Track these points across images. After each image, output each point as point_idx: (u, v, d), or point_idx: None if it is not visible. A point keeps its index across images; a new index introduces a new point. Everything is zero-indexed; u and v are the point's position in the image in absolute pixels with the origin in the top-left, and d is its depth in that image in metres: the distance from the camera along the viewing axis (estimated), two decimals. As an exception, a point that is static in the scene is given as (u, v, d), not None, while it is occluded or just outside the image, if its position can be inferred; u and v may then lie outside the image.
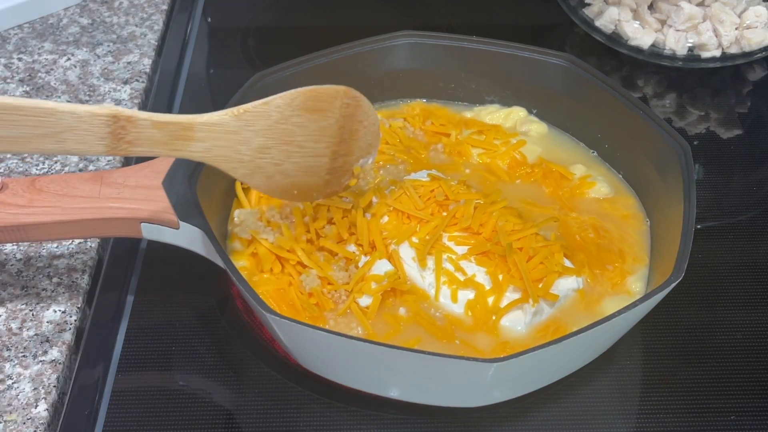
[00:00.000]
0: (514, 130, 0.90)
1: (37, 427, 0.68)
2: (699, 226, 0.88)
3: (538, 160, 0.87)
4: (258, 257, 0.75)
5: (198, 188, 0.73)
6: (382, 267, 0.74)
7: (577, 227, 0.80)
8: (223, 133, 0.64)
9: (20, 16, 1.05)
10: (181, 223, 0.72)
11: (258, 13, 1.15)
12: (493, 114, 0.91)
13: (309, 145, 0.70)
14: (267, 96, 0.76)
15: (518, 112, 0.91)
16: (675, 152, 0.78)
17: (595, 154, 0.88)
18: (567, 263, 0.75)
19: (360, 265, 0.74)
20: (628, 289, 0.76)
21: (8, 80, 0.98)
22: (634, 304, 0.66)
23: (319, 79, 0.86)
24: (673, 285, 0.67)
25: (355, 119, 0.71)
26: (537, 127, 0.90)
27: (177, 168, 0.74)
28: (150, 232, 0.73)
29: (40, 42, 1.03)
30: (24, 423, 0.68)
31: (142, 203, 0.72)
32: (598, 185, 0.84)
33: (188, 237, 0.73)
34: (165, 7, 1.10)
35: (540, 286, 0.73)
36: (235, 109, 0.64)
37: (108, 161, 0.89)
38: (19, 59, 1.01)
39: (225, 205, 0.80)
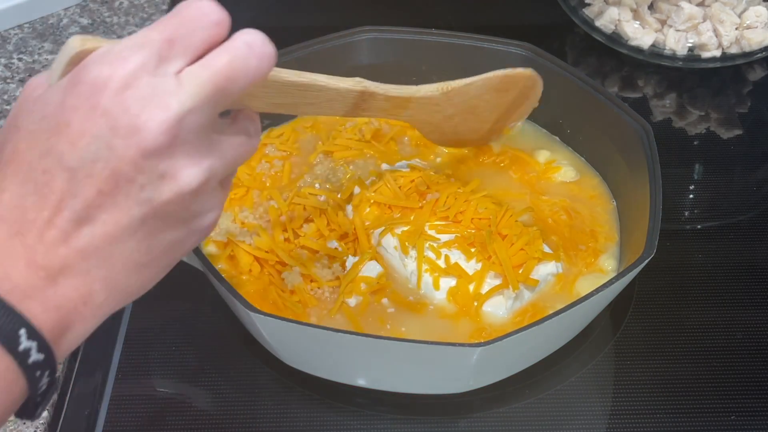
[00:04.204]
0: None
1: (37, 427, 0.68)
2: (699, 226, 0.89)
3: (502, 147, 0.88)
4: (236, 260, 0.76)
5: None
6: (372, 269, 0.74)
7: (549, 210, 0.81)
8: (429, 105, 0.74)
9: (20, 16, 1.05)
10: None
11: (258, 13, 1.15)
12: None
13: (484, 115, 0.80)
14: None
15: None
16: (637, 133, 0.79)
17: (558, 139, 0.89)
18: (546, 249, 0.76)
19: (348, 265, 0.75)
20: (601, 267, 0.77)
21: (8, 80, 0.98)
22: (610, 282, 0.67)
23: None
24: (646, 262, 0.68)
25: (525, 96, 0.81)
26: None
27: None
28: None
29: (40, 42, 1.03)
30: (24, 423, 0.68)
31: None
32: (564, 170, 0.86)
33: None
34: (165, 7, 1.10)
35: (520, 272, 0.74)
36: (443, 86, 0.74)
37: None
38: (20, 59, 1.01)
39: None
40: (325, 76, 0.60)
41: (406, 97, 0.71)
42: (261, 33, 0.46)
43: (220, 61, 0.45)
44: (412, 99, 0.72)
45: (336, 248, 0.76)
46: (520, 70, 0.78)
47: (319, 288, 0.74)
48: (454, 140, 0.83)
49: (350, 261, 0.75)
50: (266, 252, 0.75)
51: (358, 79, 0.64)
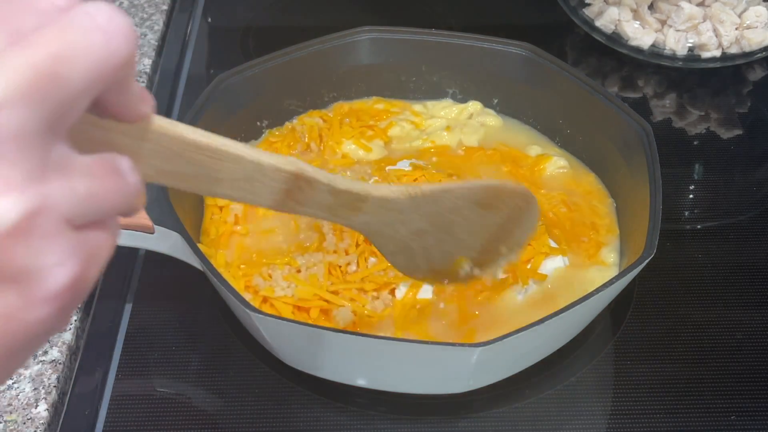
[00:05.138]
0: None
1: (37, 427, 0.68)
2: (699, 226, 0.88)
3: (494, 144, 0.88)
4: (276, 309, 0.73)
5: (169, 192, 0.73)
6: (426, 290, 0.74)
7: (548, 204, 0.82)
8: (391, 211, 0.57)
9: (20, 16, 1.05)
10: (156, 227, 0.71)
11: (258, 13, 1.15)
12: (447, 109, 0.92)
13: (464, 238, 0.63)
14: (229, 97, 0.78)
15: (474, 106, 0.92)
16: (637, 134, 0.79)
17: (557, 140, 0.89)
18: (552, 243, 0.76)
19: (401, 291, 0.73)
20: (604, 260, 0.78)
21: (8, 80, 0.98)
22: (610, 282, 0.67)
23: (281, 78, 0.87)
24: (646, 262, 0.68)
25: (517, 220, 0.64)
26: (492, 120, 0.91)
27: None
28: (124, 239, 0.73)
29: (40, 42, 1.03)
30: (24, 423, 0.68)
31: None
32: (554, 158, 0.86)
33: (164, 241, 0.72)
34: (165, 7, 1.10)
35: (528, 266, 0.74)
36: (411, 189, 0.57)
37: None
38: (19, 59, 1.01)
39: (196, 212, 0.80)
40: (247, 146, 0.45)
41: (360, 194, 0.53)
42: (114, 6, 0.33)
43: (46, 36, 0.31)
44: (368, 198, 0.54)
45: (375, 270, 0.74)
46: (510, 185, 0.63)
47: (375, 323, 0.72)
48: (426, 270, 0.64)
49: (402, 288, 0.73)
50: (309, 300, 0.72)
51: (292, 158, 0.48)
